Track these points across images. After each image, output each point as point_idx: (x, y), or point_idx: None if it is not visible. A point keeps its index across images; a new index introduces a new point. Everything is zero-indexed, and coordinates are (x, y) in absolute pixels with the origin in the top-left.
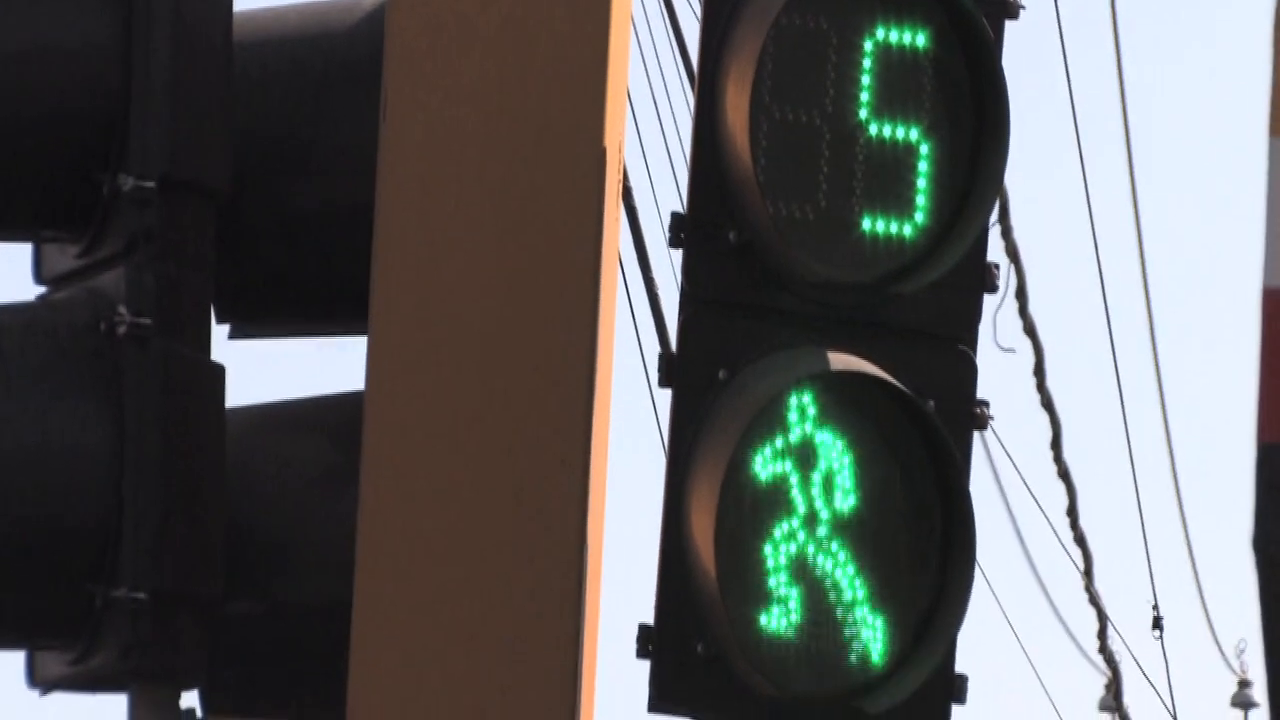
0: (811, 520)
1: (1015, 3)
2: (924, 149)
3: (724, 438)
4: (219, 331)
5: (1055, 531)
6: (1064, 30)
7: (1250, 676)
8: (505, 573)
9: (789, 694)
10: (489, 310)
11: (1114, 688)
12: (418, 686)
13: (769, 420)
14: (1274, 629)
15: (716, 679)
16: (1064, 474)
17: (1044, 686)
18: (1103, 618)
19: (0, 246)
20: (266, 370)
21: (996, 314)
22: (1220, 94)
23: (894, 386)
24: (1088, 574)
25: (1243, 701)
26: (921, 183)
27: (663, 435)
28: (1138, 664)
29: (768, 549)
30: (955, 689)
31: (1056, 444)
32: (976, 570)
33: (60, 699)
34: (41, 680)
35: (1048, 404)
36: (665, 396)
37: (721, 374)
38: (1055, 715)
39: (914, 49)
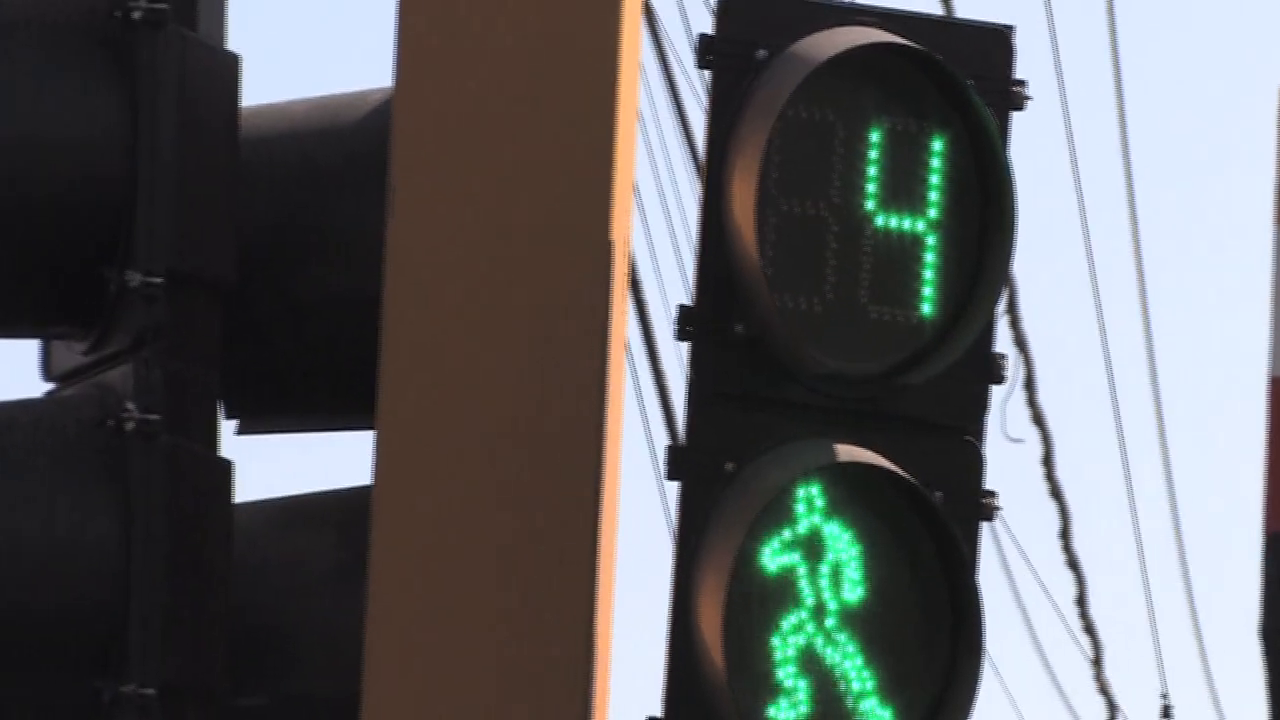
0: (819, 612)
1: (1021, 94)
2: (931, 240)
3: (732, 530)
4: (227, 427)
5: (1064, 620)
6: (1070, 118)
7: None
8: (513, 669)
9: None
10: (497, 403)
11: None
12: None
13: (777, 512)
14: None
15: None
16: (1073, 563)
17: None
18: (1112, 707)
19: (8, 343)
20: (275, 465)
21: (1005, 403)
22: (1226, 184)
23: (901, 478)
24: (1097, 663)
25: None
26: (928, 274)
27: (671, 527)
28: None
29: (775, 641)
30: None
31: (1065, 533)
32: (985, 660)
33: None
34: None
35: (1056, 493)
36: (673, 489)
37: (729, 466)
38: None
39: (920, 141)
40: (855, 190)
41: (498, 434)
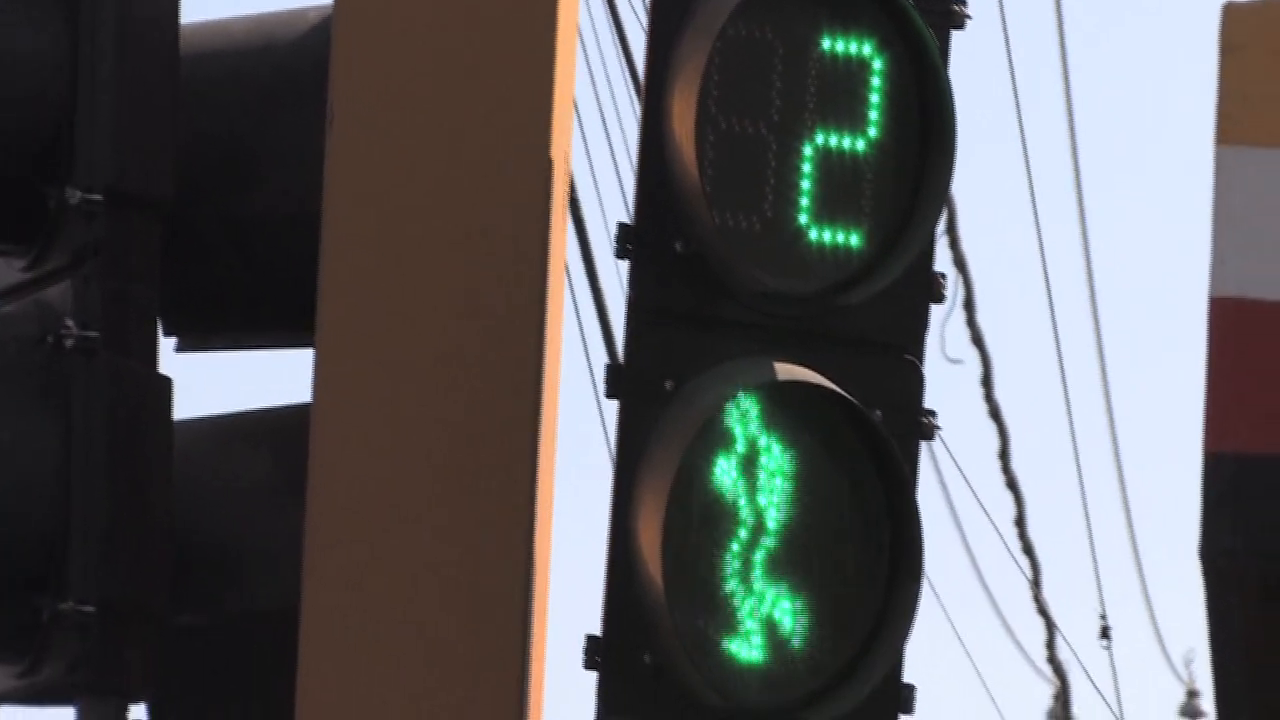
0: (758, 530)
1: (961, 13)
2: (870, 159)
3: (671, 448)
4: (166, 344)
5: (1004, 541)
6: (1010, 39)
7: (1198, 686)
8: (452, 583)
9: (737, 705)
10: (436, 321)
11: (1062, 697)
12: (366, 696)
13: (716, 431)
14: (1221, 638)
15: (664, 690)
16: (1012, 484)
17: (992, 696)
18: (1051, 627)
19: None
20: (214, 383)
21: (944, 324)
22: (1168, 103)
23: (840, 396)
24: (1036, 584)
25: (1191, 711)
26: (868, 193)
27: (610, 446)
28: (1086, 673)
29: (714, 559)
30: (903, 699)
31: (1004, 454)
32: (924, 580)
33: (8, 712)
34: None
35: (995, 414)
36: (613, 407)
37: (668, 384)
38: None
39: (860, 59)
40: (794, 109)
41: (436, 352)
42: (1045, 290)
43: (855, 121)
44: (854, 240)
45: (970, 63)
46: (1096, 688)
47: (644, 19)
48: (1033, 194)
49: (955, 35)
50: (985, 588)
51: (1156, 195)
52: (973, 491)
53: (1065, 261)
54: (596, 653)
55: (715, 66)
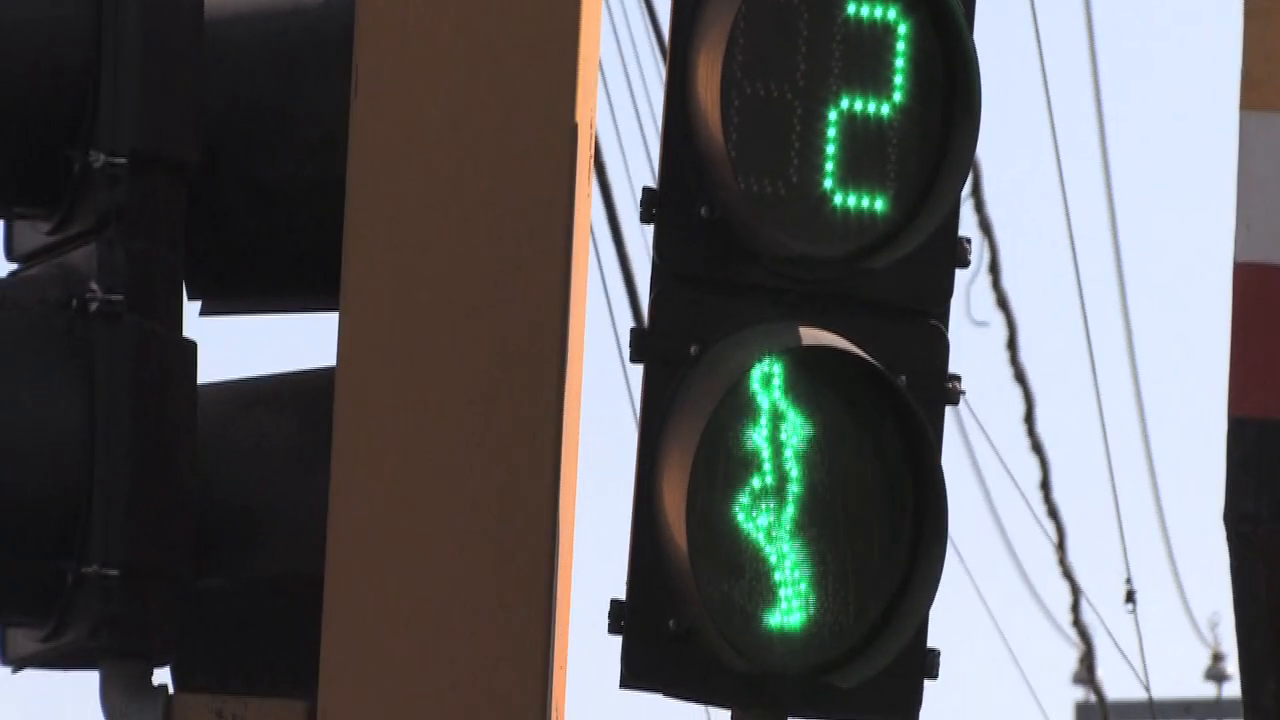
0: (783, 494)
1: None
2: (896, 123)
3: (696, 412)
4: (190, 308)
5: (1028, 505)
6: (1035, 3)
7: (1223, 649)
8: (476, 546)
9: (761, 669)
10: (460, 285)
11: (1087, 661)
12: (390, 661)
13: (740, 395)
14: (1245, 602)
15: (688, 654)
16: (1037, 447)
17: (1017, 660)
18: (1076, 591)
19: None
20: (239, 346)
21: (970, 288)
22: (1193, 68)
23: (865, 361)
24: (1061, 547)
25: (1216, 675)
26: (893, 157)
27: (635, 410)
28: (1111, 637)
29: (740, 523)
30: (927, 663)
31: (1029, 417)
32: (949, 544)
33: (33, 675)
34: (13, 657)
35: (1020, 377)
36: (638, 371)
37: (693, 349)
38: (1028, 688)
39: (885, 23)
40: (820, 73)
41: (461, 316)
42: (1071, 254)
43: (880, 86)
44: (879, 205)
45: (995, 26)
46: (1121, 651)
47: None
48: (1058, 157)
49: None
50: (1010, 551)
51: (1181, 160)
52: (998, 455)
53: (1090, 225)
54: (621, 617)
55: (740, 31)
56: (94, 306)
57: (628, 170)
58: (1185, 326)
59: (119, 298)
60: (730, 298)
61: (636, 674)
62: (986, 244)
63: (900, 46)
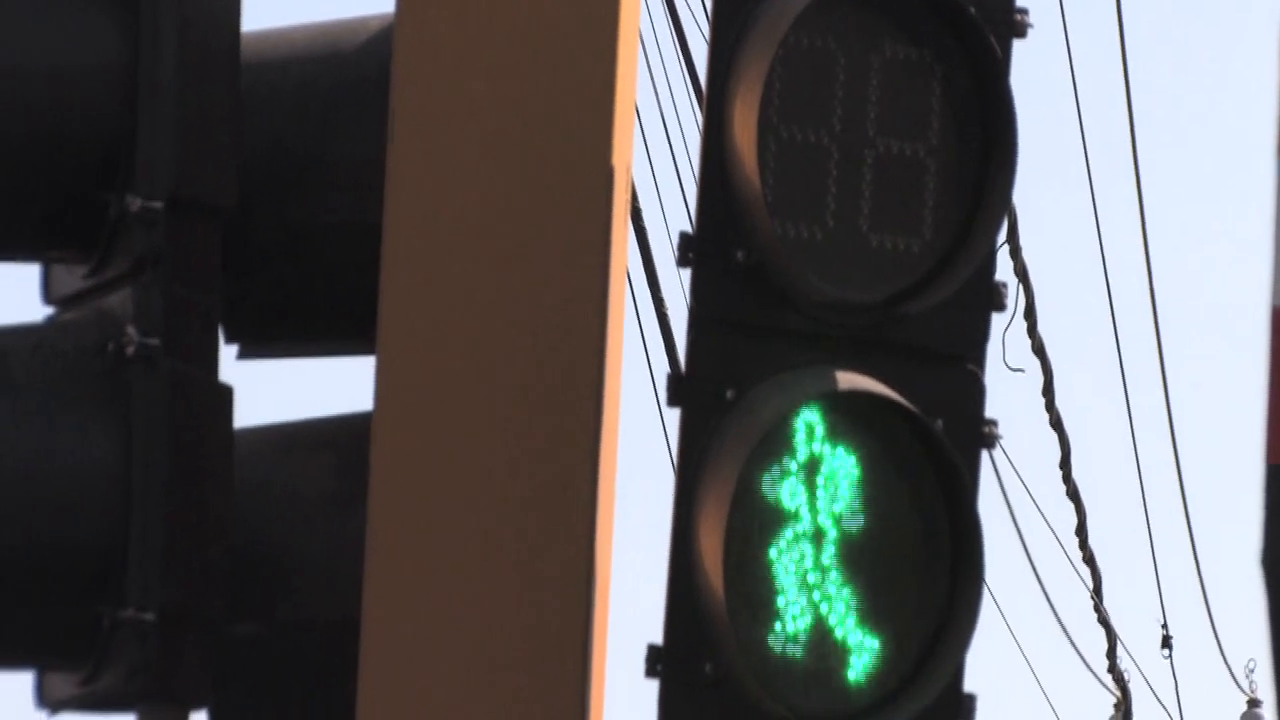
0: (820, 540)
1: (1023, 22)
2: (932, 167)
3: (732, 457)
4: (227, 352)
5: (1064, 551)
6: (1072, 50)
7: (1260, 696)
8: (513, 592)
9: (798, 715)
10: (497, 330)
11: (1123, 707)
12: (426, 707)
13: (777, 440)
14: None
15: (725, 700)
16: (1073, 493)
17: (1052, 706)
18: (1112, 637)
19: (8, 267)
20: (275, 391)
21: (1005, 333)
22: (1228, 114)
23: (902, 406)
24: (1097, 593)
25: None
26: (930, 201)
27: (672, 455)
28: (1147, 683)
29: (776, 568)
30: (964, 709)
31: (1066, 463)
32: (985, 590)
33: (69, 719)
34: (50, 701)
35: (1057, 423)
36: (674, 416)
37: (729, 393)
38: None
39: (922, 66)
40: (857, 117)
41: (498, 361)
42: (1107, 300)
43: (917, 130)
44: (915, 249)
45: (1032, 71)
46: (1158, 697)
47: (706, 27)
48: (1094, 203)
49: (1017, 44)
50: (1046, 597)
51: (1218, 204)
52: (1034, 501)
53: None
54: (658, 662)
55: (777, 75)
56: (130, 351)
57: (664, 214)
58: (1222, 372)
59: (155, 342)
60: (766, 342)
61: (673, 718)
62: (1022, 289)
63: (937, 90)
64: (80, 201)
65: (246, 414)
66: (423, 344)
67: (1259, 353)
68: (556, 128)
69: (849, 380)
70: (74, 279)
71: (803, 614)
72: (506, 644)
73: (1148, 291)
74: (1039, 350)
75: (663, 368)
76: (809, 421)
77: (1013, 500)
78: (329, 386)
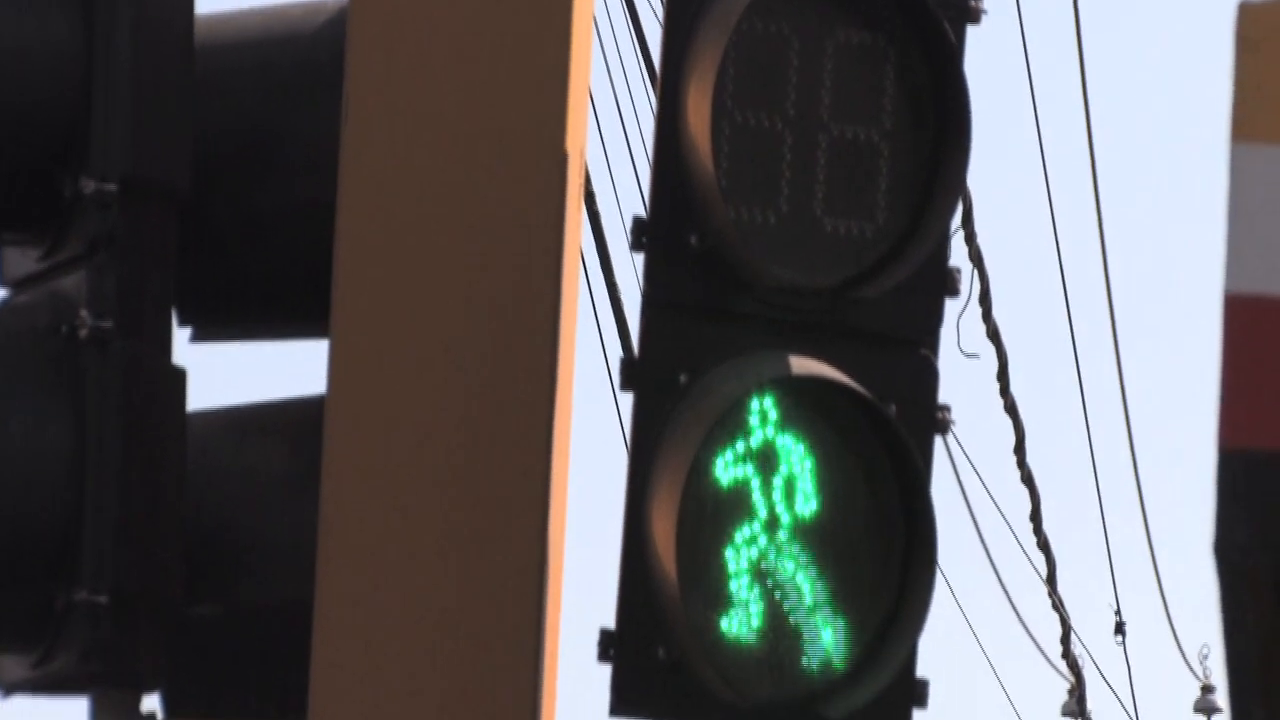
0: (772, 524)
1: (977, 8)
2: (886, 152)
3: (685, 441)
4: (181, 334)
5: (1018, 537)
6: (1027, 35)
7: (1213, 682)
8: (466, 575)
9: (750, 699)
10: (450, 313)
11: (1077, 693)
12: (379, 688)
13: (730, 424)
14: (1235, 634)
15: (677, 684)
16: (1027, 479)
17: (1006, 691)
18: (1066, 623)
19: None
20: (228, 373)
21: (960, 319)
22: (1183, 99)
23: (856, 391)
24: (1050, 579)
25: (1206, 707)
26: (884, 186)
27: (625, 439)
28: (1100, 670)
29: (729, 553)
30: (917, 694)
31: (1020, 449)
32: (938, 575)
33: (22, 701)
34: (3, 683)
35: (1011, 409)
36: (627, 400)
37: (683, 378)
38: None
39: (875, 52)
40: (811, 102)
41: (450, 344)
42: (1061, 285)
43: (870, 115)
44: (869, 234)
45: (986, 56)
46: (1110, 684)
47: (660, 11)
48: (1049, 189)
49: (971, 30)
50: (1000, 583)
51: (1173, 191)
52: (987, 487)
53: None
54: (610, 646)
55: (731, 60)
56: (84, 333)
57: (618, 199)
58: (1176, 357)
59: (109, 324)
60: (720, 327)
61: (625, 702)
62: (977, 274)
63: (891, 75)
64: (34, 183)
65: (200, 397)
66: (376, 327)
67: (1213, 339)
68: (511, 111)
69: (803, 365)
70: (28, 261)
71: (756, 599)
72: (459, 627)
73: (1103, 277)
74: (993, 336)
75: (617, 352)
76: (762, 406)
77: (966, 486)
78: (282, 370)
